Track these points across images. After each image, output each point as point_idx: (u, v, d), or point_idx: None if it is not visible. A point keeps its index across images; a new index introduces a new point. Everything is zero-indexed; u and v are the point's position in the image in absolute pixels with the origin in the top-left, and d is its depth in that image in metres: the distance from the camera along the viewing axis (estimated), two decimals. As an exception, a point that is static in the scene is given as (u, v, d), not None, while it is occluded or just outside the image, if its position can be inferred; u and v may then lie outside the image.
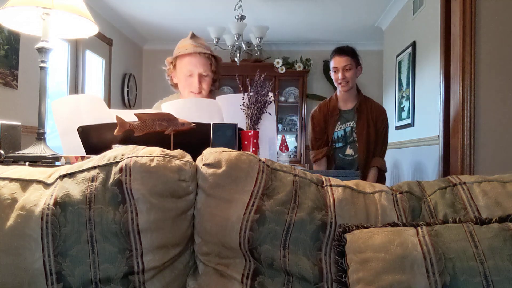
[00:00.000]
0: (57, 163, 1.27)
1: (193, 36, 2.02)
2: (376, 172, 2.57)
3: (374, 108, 2.59)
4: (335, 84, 2.58)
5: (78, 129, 1.36)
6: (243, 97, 1.45)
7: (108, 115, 1.42)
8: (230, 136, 1.29)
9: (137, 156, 0.90)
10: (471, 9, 2.28)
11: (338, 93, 2.64)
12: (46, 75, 1.38)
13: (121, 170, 0.88)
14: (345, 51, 2.55)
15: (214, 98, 1.61)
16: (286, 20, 5.01)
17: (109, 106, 2.41)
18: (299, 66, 5.68)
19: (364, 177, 2.54)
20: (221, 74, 2.10)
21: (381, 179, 2.62)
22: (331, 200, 0.91)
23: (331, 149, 2.62)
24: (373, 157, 2.57)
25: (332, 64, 2.56)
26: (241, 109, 1.44)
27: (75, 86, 4.33)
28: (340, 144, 2.60)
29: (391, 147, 4.41)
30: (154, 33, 5.66)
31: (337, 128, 2.60)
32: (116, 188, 0.86)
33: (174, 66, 2.01)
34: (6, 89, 3.19)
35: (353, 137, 2.57)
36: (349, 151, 2.60)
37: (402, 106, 4.17)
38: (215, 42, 3.71)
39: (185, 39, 2.03)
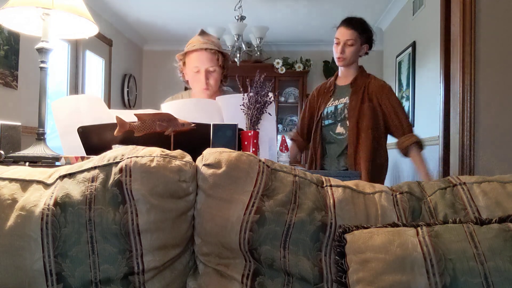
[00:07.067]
0: (57, 163, 1.27)
1: (202, 33, 2.03)
2: (418, 149, 2.20)
3: (372, 85, 2.27)
4: (334, 57, 2.35)
5: (78, 129, 1.35)
6: (243, 98, 1.45)
7: (108, 116, 1.42)
8: (230, 136, 1.29)
9: (137, 157, 0.90)
10: (471, 9, 2.28)
11: (338, 70, 2.39)
12: (46, 75, 1.38)
13: (121, 170, 0.88)
14: (353, 24, 2.27)
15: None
16: (286, 21, 5.01)
17: (109, 107, 2.41)
18: (299, 67, 5.68)
19: (356, 157, 2.25)
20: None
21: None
22: (331, 201, 0.91)
23: (304, 143, 2.45)
24: (402, 135, 2.24)
25: (335, 35, 2.30)
26: (241, 109, 1.44)
27: (75, 86, 4.33)
28: (330, 121, 2.32)
29: (391, 147, 4.41)
30: (154, 33, 5.66)
31: (329, 104, 2.34)
32: (116, 189, 0.86)
33: (184, 63, 2.02)
34: (6, 90, 3.19)
35: (344, 113, 2.27)
36: (339, 129, 2.30)
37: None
38: (215, 42, 3.71)
39: (195, 36, 2.03)
